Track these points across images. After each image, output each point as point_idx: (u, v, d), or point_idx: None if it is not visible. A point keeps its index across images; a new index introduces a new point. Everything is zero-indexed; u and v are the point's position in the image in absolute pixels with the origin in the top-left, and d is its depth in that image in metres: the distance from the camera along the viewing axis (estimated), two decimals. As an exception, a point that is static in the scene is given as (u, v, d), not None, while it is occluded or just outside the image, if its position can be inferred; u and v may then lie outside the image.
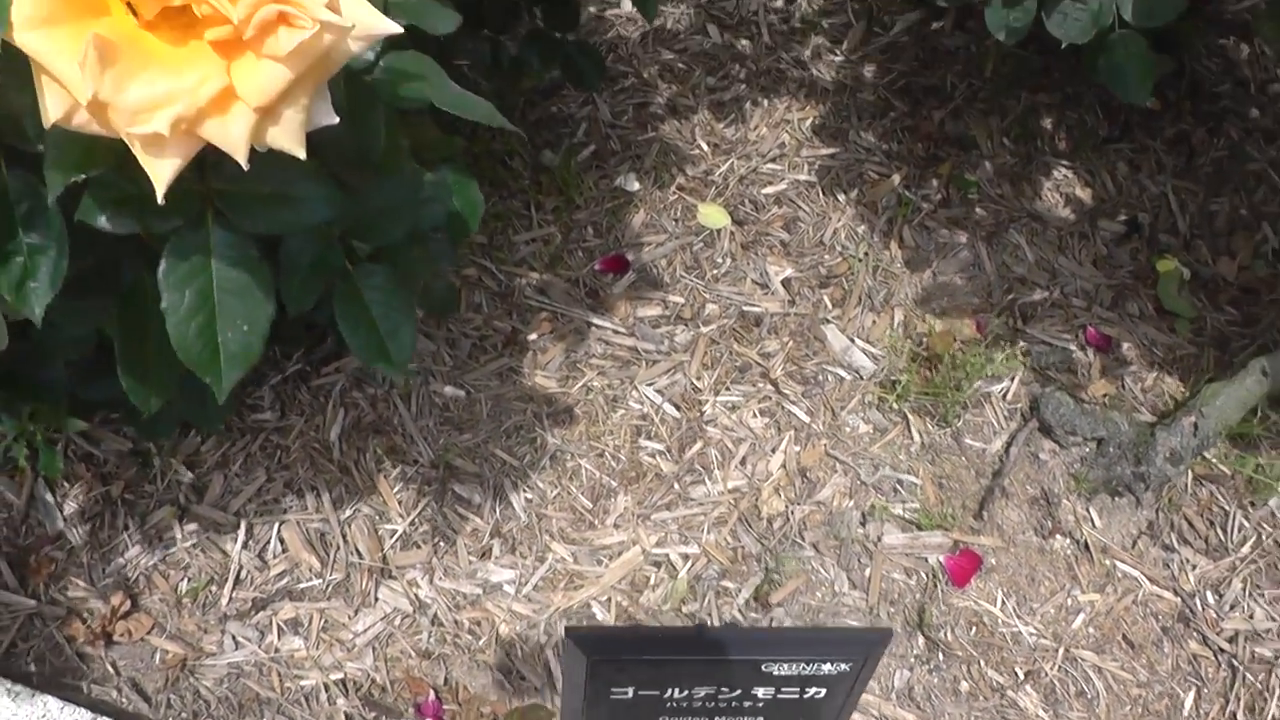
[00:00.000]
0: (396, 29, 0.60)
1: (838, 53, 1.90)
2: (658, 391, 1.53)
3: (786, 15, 1.96)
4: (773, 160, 1.75)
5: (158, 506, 1.43)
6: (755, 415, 1.52)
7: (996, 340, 1.58)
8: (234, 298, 0.75)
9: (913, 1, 1.96)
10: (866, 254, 1.66)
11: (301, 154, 0.60)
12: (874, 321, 1.60)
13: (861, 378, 1.55)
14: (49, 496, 1.44)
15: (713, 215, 1.67)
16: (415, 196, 0.88)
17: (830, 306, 1.61)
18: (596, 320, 1.58)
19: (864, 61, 1.89)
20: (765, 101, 1.82)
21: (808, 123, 1.80)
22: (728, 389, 1.54)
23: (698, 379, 1.54)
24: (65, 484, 1.46)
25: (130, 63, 0.54)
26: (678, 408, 1.52)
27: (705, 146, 1.76)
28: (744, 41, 1.91)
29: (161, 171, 0.57)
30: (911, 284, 1.64)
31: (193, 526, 1.42)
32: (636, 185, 1.70)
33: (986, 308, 1.62)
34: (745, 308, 1.60)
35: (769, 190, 1.72)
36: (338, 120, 0.62)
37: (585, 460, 1.48)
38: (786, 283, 1.63)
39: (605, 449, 1.49)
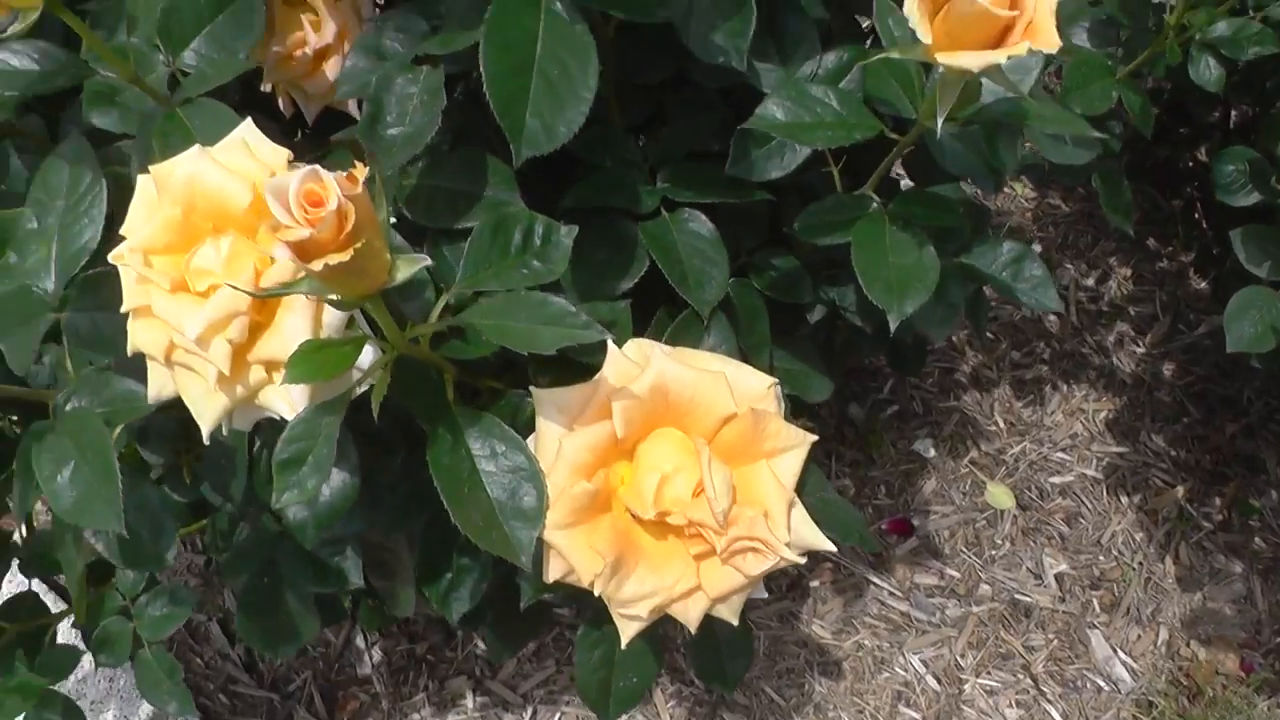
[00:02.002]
0: (832, 548, 0.74)
1: (1140, 344, 1.98)
2: (923, 662, 1.62)
3: (1096, 295, 2.04)
4: (1064, 450, 1.83)
5: (455, 674, 1.59)
6: (1011, 705, 1.60)
7: (1261, 685, 1.63)
8: (631, 659, 0.90)
9: (1222, 303, 2.01)
10: (1141, 564, 1.73)
11: (735, 622, 0.75)
12: (1139, 636, 1.66)
13: (1119, 691, 1.62)
14: (360, 642, 1.62)
15: (1000, 496, 1.76)
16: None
17: (1098, 610, 1.68)
18: (876, 579, 1.68)
19: (1164, 359, 1.96)
20: (1064, 386, 1.91)
21: (1102, 415, 1.88)
22: (989, 673, 1.62)
23: (962, 657, 1.63)
24: (377, 633, 1.63)
25: (628, 565, 0.70)
26: (939, 681, 1.61)
27: (1002, 423, 1.85)
28: (1052, 317, 1.99)
29: (631, 632, 0.72)
30: (1181, 604, 1.70)
31: (483, 699, 1.57)
32: (933, 452, 1.80)
33: (1254, 645, 1.66)
34: (1017, 595, 1.68)
35: (1056, 480, 1.80)
36: (767, 595, 0.76)
37: (845, 714, 1.58)
38: (1060, 578, 1.71)
39: (866, 707, 1.59)
